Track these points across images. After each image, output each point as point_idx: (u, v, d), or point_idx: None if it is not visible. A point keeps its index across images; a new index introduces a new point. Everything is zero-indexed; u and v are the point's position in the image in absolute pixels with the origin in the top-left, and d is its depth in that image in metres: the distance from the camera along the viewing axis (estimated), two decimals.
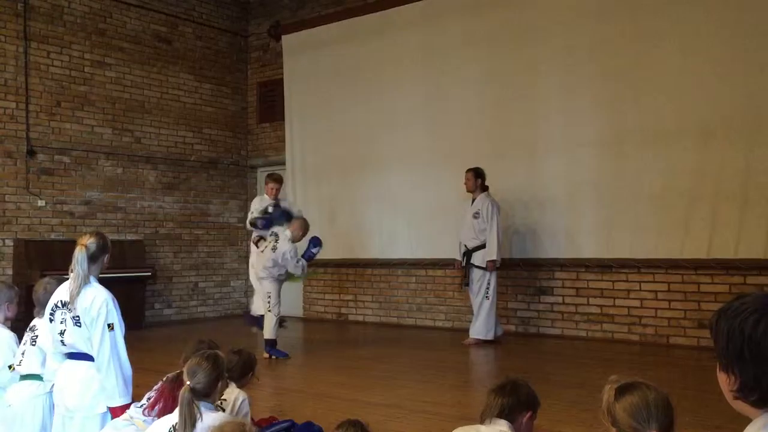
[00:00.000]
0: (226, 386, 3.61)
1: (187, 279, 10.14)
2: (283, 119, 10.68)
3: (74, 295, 3.38)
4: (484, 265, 7.48)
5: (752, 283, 6.78)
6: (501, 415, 2.65)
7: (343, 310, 9.92)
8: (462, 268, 7.73)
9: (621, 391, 2.09)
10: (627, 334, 7.52)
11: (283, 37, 10.68)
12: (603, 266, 7.70)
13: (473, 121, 8.63)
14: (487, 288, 7.49)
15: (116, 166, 9.67)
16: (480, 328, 7.51)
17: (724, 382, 1.46)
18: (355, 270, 9.85)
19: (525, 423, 2.66)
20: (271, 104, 11.06)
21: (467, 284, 7.68)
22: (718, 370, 1.48)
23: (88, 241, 3.44)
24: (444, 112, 8.89)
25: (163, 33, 10.26)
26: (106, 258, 3.54)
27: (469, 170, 7.64)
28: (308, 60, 10.27)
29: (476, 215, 7.57)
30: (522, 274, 8.31)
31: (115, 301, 3.46)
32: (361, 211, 9.67)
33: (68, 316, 3.40)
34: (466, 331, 7.79)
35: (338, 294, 9.73)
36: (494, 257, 7.43)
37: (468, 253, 7.63)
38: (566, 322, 7.97)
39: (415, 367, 6.47)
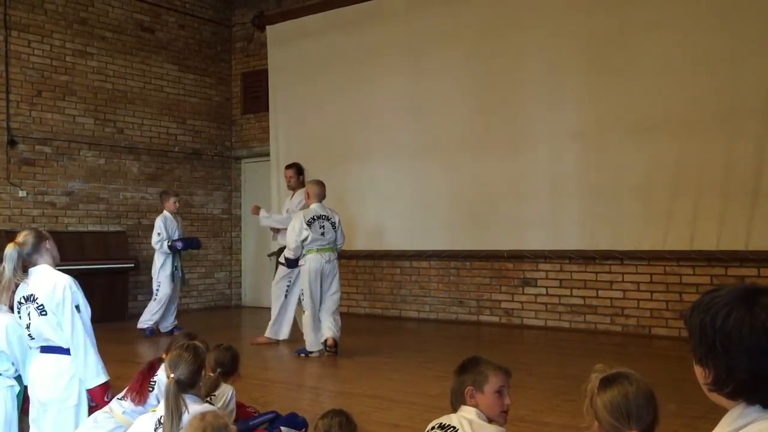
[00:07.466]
0: (219, 382, 3.63)
1: None
2: (267, 110, 10.62)
3: (16, 282, 3.40)
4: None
5: (733, 275, 6.85)
6: (454, 401, 2.63)
7: None
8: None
9: (604, 384, 2.07)
10: (609, 325, 7.58)
11: (267, 27, 10.61)
12: (586, 257, 7.74)
13: (458, 111, 8.63)
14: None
15: (98, 157, 9.58)
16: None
17: (700, 374, 1.48)
18: (340, 261, 9.82)
19: (469, 399, 2.57)
20: (255, 95, 11.00)
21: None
22: (694, 363, 1.49)
23: (22, 238, 3.48)
24: (429, 103, 8.87)
25: (146, 22, 10.16)
26: (48, 243, 3.53)
27: (289, 167, 7.74)
28: (293, 50, 10.21)
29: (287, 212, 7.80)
30: (506, 265, 8.34)
31: (77, 284, 3.47)
32: (345, 202, 9.62)
33: (32, 307, 3.40)
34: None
35: None
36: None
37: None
38: (550, 314, 8.01)
39: (400, 358, 6.48)
